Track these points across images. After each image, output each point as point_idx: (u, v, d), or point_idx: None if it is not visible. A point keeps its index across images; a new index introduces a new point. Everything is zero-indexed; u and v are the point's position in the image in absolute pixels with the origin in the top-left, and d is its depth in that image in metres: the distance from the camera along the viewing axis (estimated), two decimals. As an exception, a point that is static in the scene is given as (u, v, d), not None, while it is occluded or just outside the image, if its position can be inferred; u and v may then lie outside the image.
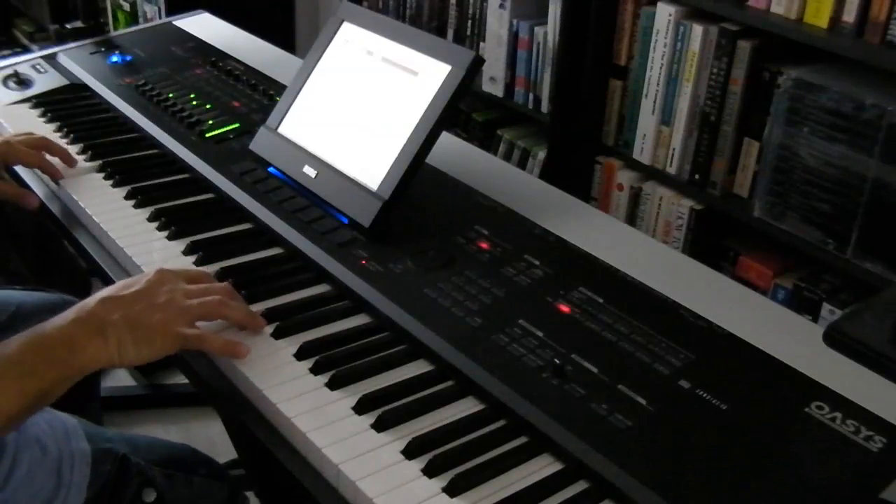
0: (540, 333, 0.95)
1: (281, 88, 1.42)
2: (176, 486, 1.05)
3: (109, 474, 1.00)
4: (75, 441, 1.00)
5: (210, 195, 1.27)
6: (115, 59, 1.66)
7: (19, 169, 1.36)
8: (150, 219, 1.20)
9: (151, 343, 0.89)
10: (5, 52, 3.03)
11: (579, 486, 0.81)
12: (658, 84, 1.99)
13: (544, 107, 2.26)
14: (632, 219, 2.13)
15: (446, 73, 1.13)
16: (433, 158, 1.16)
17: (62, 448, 0.98)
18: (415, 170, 1.12)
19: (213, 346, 0.93)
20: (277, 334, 0.98)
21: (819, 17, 1.69)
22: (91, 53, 1.70)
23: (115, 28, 3.07)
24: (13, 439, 0.93)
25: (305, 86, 1.29)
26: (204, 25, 1.85)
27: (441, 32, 2.50)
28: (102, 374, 2.15)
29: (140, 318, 0.89)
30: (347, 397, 0.90)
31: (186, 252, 1.13)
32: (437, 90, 1.13)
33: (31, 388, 0.83)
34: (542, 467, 0.83)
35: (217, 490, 1.11)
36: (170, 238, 1.16)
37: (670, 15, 1.92)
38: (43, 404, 0.87)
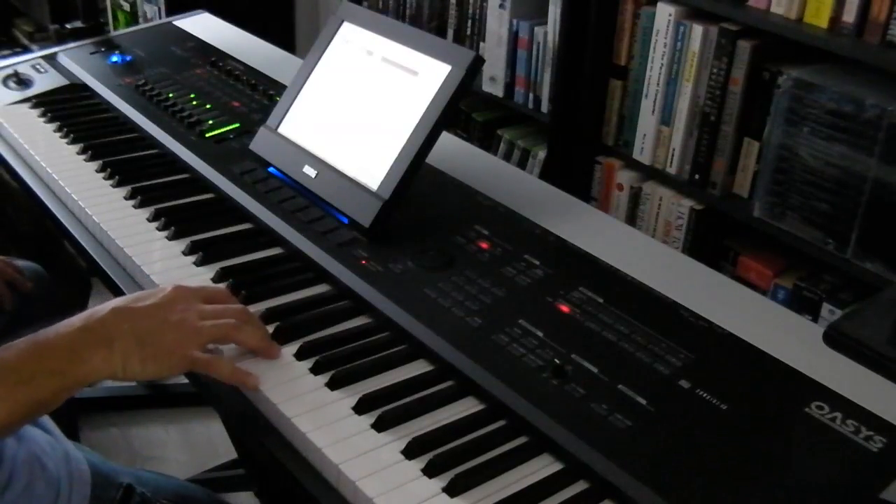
0: (540, 333, 0.95)
1: (281, 88, 1.42)
2: None
3: (112, 501, 0.99)
4: (75, 463, 0.99)
5: (210, 195, 1.27)
6: (115, 59, 1.66)
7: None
8: (151, 219, 1.20)
9: (159, 362, 0.87)
10: (5, 52, 3.03)
11: (579, 486, 0.81)
12: (658, 84, 1.98)
13: (544, 107, 2.26)
14: (632, 219, 2.13)
15: (446, 73, 1.13)
16: (433, 158, 1.16)
17: (61, 467, 0.97)
18: (415, 170, 1.12)
19: (221, 373, 0.90)
20: (277, 335, 0.98)
21: (819, 17, 1.69)
22: (91, 53, 1.70)
23: (115, 28, 3.07)
24: (13, 452, 0.93)
25: (305, 86, 1.29)
26: (204, 25, 1.85)
27: (441, 32, 2.50)
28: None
29: (151, 334, 0.87)
30: (347, 397, 0.89)
31: (186, 252, 1.13)
32: (437, 90, 1.13)
33: (26, 396, 0.81)
34: (542, 467, 0.83)
35: None
36: (170, 238, 1.16)
37: (670, 15, 1.92)
38: (40, 413, 0.85)
